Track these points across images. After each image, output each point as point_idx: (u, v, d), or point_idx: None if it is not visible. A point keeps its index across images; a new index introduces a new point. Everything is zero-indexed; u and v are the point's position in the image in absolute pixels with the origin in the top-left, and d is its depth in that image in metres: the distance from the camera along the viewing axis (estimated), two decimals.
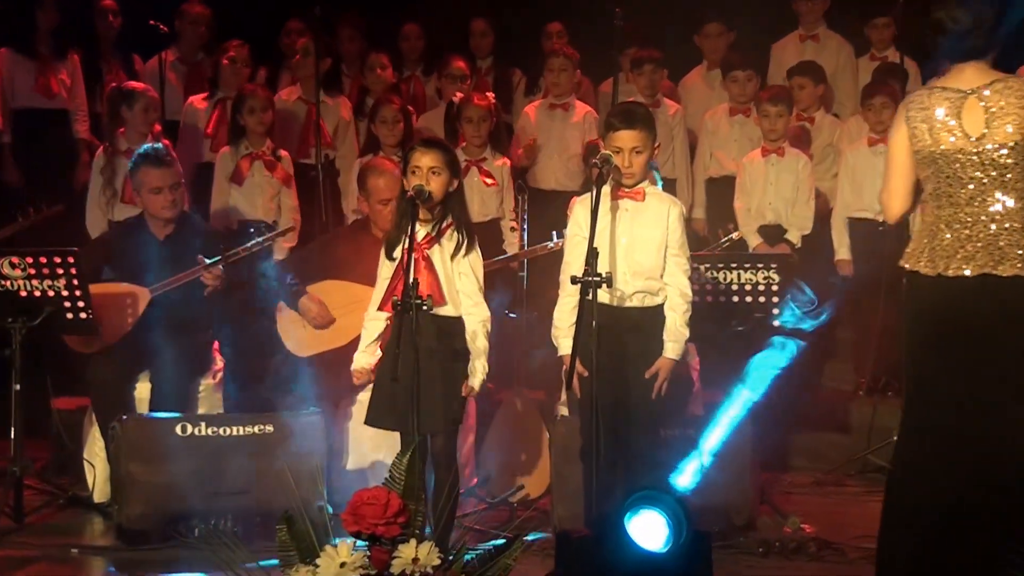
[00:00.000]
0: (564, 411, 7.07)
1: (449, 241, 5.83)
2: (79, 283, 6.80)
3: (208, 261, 7.02)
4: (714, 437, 6.35)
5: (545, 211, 8.07)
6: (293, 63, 9.38)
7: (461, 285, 5.84)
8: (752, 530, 6.59)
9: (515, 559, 4.43)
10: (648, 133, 5.86)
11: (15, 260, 6.79)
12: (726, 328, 6.98)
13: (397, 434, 5.80)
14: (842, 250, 8.63)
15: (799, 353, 6.54)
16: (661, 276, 5.88)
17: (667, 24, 9.80)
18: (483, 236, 6.23)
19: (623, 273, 5.82)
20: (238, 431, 6.59)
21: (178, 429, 6.54)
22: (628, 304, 5.84)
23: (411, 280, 5.44)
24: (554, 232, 7.31)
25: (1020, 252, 4.97)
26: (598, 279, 5.43)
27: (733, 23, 9.65)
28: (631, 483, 5.60)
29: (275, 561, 4.43)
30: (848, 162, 8.64)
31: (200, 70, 9.58)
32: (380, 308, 5.88)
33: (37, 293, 6.81)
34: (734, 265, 7.00)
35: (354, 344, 6.08)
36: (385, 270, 5.90)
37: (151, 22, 9.14)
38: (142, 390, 7.14)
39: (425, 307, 5.42)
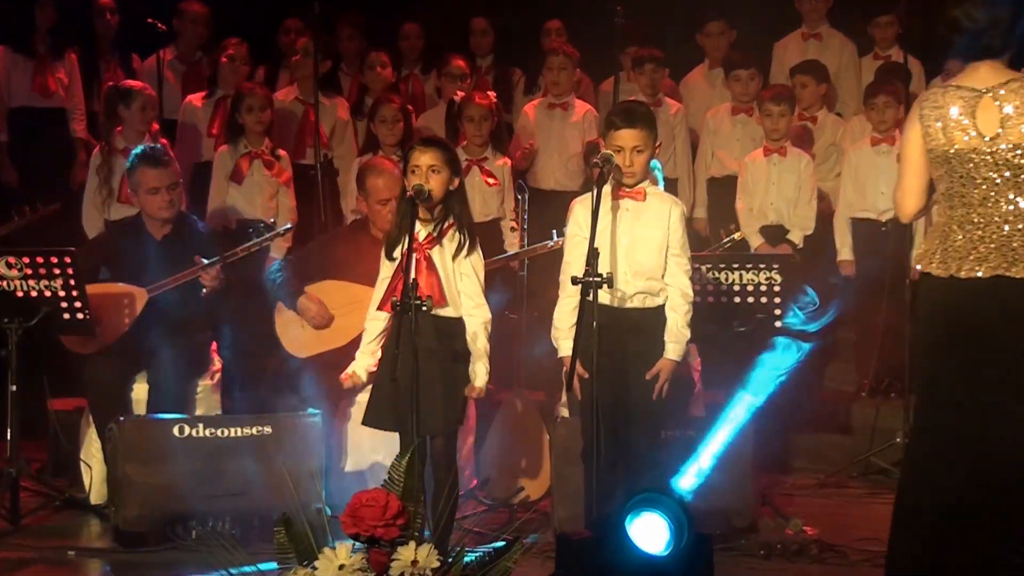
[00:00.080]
0: (564, 412, 7.05)
1: (451, 242, 5.81)
2: (76, 283, 6.78)
3: (206, 261, 7.00)
4: (716, 441, 6.31)
5: (545, 211, 8.04)
6: (292, 63, 9.35)
7: (462, 286, 5.82)
8: (753, 532, 6.57)
9: (515, 561, 4.39)
10: (649, 132, 5.83)
11: (11, 260, 6.77)
12: (727, 329, 6.95)
13: (396, 435, 5.78)
14: (844, 250, 8.60)
15: (804, 355, 6.51)
16: (662, 276, 5.86)
17: (668, 23, 9.78)
18: (483, 236, 6.22)
19: (624, 273, 5.79)
20: (236, 432, 6.56)
21: (176, 430, 6.52)
22: (629, 305, 5.82)
23: (410, 280, 5.41)
24: (554, 231, 7.29)
25: None
26: (599, 279, 5.40)
27: (735, 22, 9.63)
28: (632, 485, 5.58)
29: (273, 564, 4.39)
30: (851, 162, 8.62)
31: (198, 69, 9.57)
32: (380, 308, 5.85)
33: (34, 293, 6.79)
34: (736, 265, 6.97)
35: (353, 345, 6.07)
36: (385, 270, 5.88)
37: (149, 20, 9.11)
38: (140, 391, 7.11)
39: (424, 307, 5.39)
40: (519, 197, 7.56)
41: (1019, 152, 4.93)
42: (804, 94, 8.98)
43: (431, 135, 7.29)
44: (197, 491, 6.41)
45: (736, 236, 8.04)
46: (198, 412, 7.15)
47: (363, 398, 6.01)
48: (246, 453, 6.50)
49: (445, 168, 5.76)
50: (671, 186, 8.57)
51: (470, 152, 8.40)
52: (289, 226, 8.01)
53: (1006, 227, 4.95)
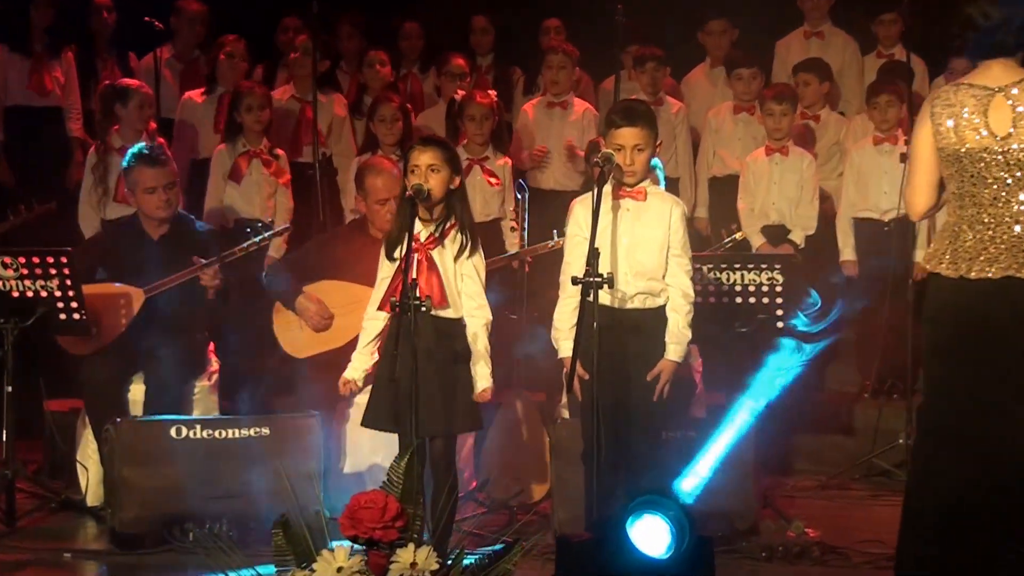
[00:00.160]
0: (565, 414, 7.04)
1: (453, 243, 5.79)
2: (72, 283, 6.77)
3: (203, 261, 6.98)
4: (719, 445, 6.28)
5: (545, 211, 8.02)
6: (290, 61, 9.33)
7: (464, 287, 5.80)
8: (755, 535, 6.53)
9: (515, 563, 4.38)
10: (650, 131, 5.81)
11: (7, 260, 6.76)
12: (729, 329, 6.93)
13: (395, 437, 5.75)
14: (847, 250, 8.58)
15: (809, 357, 6.49)
16: (663, 277, 5.84)
17: (670, 21, 9.77)
18: (484, 236, 6.20)
19: (624, 274, 5.77)
20: (234, 434, 6.55)
21: (173, 432, 6.50)
22: (629, 305, 5.79)
23: (410, 280, 5.39)
24: (555, 231, 7.26)
25: None
26: (599, 280, 5.38)
27: (736, 20, 9.61)
28: (632, 486, 5.54)
29: (271, 566, 4.38)
30: (853, 161, 8.59)
31: (196, 67, 9.56)
32: (379, 309, 5.83)
33: (30, 293, 6.77)
34: (737, 266, 6.95)
35: (352, 345, 6.03)
36: (385, 269, 5.85)
37: (146, 19, 9.09)
38: (136, 392, 7.09)
39: (424, 308, 5.36)
40: (519, 197, 7.54)
41: None
42: (807, 92, 8.96)
43: (431, 134, 7.26)
44: (194, 493, 6.39)
45: (737, 236, 8.03)
46: (195, 413, 7.12)
47: (362, 399, 6.00)
48: (244, 455, 6.48)
49: (445, 167, 5.74)
50: (672, 185, 8.56)
51: (471, 151, 8.38)
52: (287, 226, 8.01)
53: (1017, 227, 4.92)
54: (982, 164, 4.94)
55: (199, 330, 7.31)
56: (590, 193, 5.64)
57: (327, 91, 9.16)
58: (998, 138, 4.92)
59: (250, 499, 6.32)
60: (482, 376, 5.76)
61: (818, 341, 6.71)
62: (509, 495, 7.13)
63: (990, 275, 4.90)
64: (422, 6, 10.34)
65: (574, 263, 5.75)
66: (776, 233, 8.54)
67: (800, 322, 6.73)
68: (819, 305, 6.93)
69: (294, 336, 7.18)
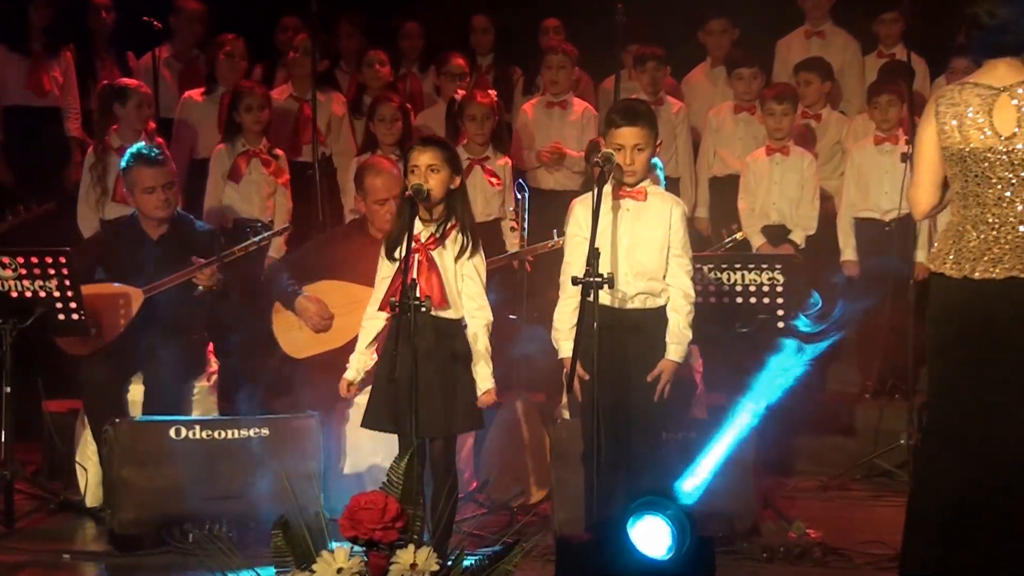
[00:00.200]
0: (565, 414, 7.02)
1: (454, 243, 5.78)
2: (71, 283, 6.76)
3: (202, 261, 6.97)
4: (720, 447, 6.26)
5: (545, 211, 8.01)
6: (289, 60, 9.31)
7: (464, 287, 5.79)
8: (756, 535, 6.52)
9: (515, 565, 4.39)
10: (650, 130, 5.80)
11: (6, 260, 6.75)
12: (729, 330, 6.93)
13: (395, 437, 5.75)
14: (848, 251, 8.56)
15: (812, 358, 6.47)
16: (663, 277, 5.83)
17: (670, 20, 9.75)
18: (484, 236, 6.19)
19: (624, 274, 5.76)
20: (233, 435, 6.53)
21: (172, 432, 6.48)
22: (630, 306, 5.79)
23: (409, 280, 5.38)
24: (555, 231, 7.25)
25: None
26: (599, 280, 5.37)
27: (737, 19, 9.59)
28: (632, 487, 5.55)
29: (271, 567, 4.38)
30: (854, 161, 8.58)
31: (195, 67, 9.54)
32: (379, 309, 5.82)
33: (28, 294, 6.77)
34: (738, 266, 6.94)
35: (351, 346, 6.01)
36: (385, 269, 5.84)
37: (145, 18, 9.07)
38: (135, 392, 7.08)
39: (423, 308, 5.35)
40: (519, 197, 7.52)
41: None
42: (808, 91, 8.94)
43: (431, 134, 7.25)
44: (194, 494, 6.38)
45: (738, 236, 8.03)
46: (195, 414, 7.12)
47: (362, 400, 5.99)
48: (243, 455, 6.46)
49: (444, 167, 5.74)
50: (673, 185, 8.54)
51: (472, 151, 8.36)
52: (286, 226, 8.00)
53: (1021, 228, 4.92)
54: (986, 164, 4.93)
55: (198, 330, 7.30)
56: (590, 193, 5.64)
57: (325, 90, 9.15)
58: (1002, 138, 4.91)
59: (249, 500, 6.28)
60: (483, 378, 5.75)
61: (819, 342, 6.69)
62: (509, 496, 7.12)
63: (994, 275, 4.90)
64: (422, 6, 10.33)
65: (574, 263, 5.74)
66: (776, 233, 8.53)
67: (802, 324, 6.71)
68: (820, 306, 6.92)
69: (294, 336, 7.17)
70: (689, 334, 5.84)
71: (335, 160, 9.14)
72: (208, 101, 9.00)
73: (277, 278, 7.24)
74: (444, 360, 5.70)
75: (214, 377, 7.34)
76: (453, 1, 10.30)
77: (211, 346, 7.41)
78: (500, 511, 7.03)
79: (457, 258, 5.76)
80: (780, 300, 6.86)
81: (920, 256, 7.92)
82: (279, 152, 8.50)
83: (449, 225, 5.79)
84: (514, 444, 7.31)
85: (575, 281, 5.41)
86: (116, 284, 7.07)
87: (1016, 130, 4.90)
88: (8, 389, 6.71)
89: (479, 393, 5.76)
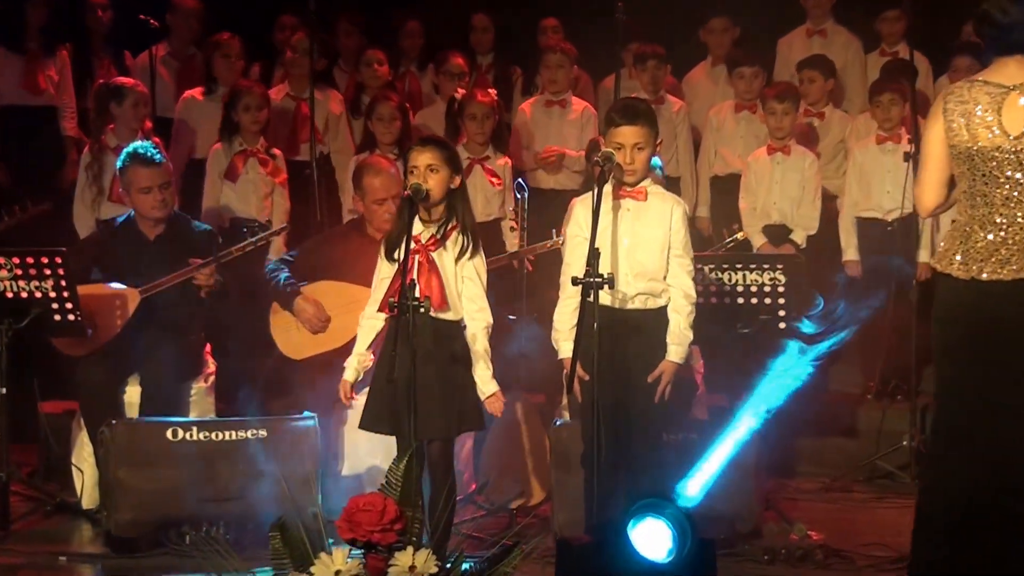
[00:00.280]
0: (565, 415, 7.00)
1: (454, 245, 5.76)
2: (67, 284, 6.74)
3: (200, 262, 6.95)
4: (722, 451, 6.22)
5: (545, 211, 7.99)
6: (287, 60, 9.28)
7: (465, 289, 5.77)
8: (757, 537, 6.51)
9: (514, 567, 4.41)
10: (650, 129, 5.79)
11: (1, 260, 6.73)
12: (731, 330, 6.93)
13: (393, 439, 5.74)
14: (850, 251, 8.52)
15: (817, 360, 6.43)
16: (664, 278, 5.82)
17: (671, 19, 9.74)
18: (484, 236, 6.17)
19: (625, 274, 5.75)
20: (230, 436, 6.51)
21: (169, 434, 6.47)
22: (630, 306, 5.77)
23: (408, 281, 5.36)
24: (554, 230, 7.24)
25: None
26: (599, 280, 5.35)
27: (738, 18, 9.57)
28: (633, 489, 5.55)
29: (269, 569, 4.40)
30: (856, 160, 8.54)
31: (192, 65, 9.52)
32: (379, 310, 5.79)
33: (24, 294, 6.75)
34: (739, 266, 6.93)
35: (349, 346, 5.99)
36: (384, 270, 5.82)
37: (141, 17, 9.05)
38: (132, 394, 7.06)
39: (422, 309, 5.33)
40: (518, 197, 7.50)
41: None
42: (812, 89, 8.91)
43: (430, 134, 7.23)
44: (191, 495, 6.37)
45: (739, 236, 8.02)
46: (192, 415, 7.10)
47: (360, 401, 5.95)
48: (241, 457, 6.44)
49: (444, 167, 5.72)
50: (673, 185, 8.52)
51: (472, 151, 8.34)
52: (284, 226, 7.99)
53: None
54: (994, 163, 4.89)
55: (195, 331, 7.28)
56: (590, 193, 5.62)
57: (322, 88, 9.12)
58: (1011, 137, 4.88)
59: (247, 502, 6.28)
60: (485, 381, 5.74)
61: (821, 342, 6.65)
62: (509, 497, 7.09)
63: (1003, 277, 4.87)
64: (422, 5, 10.30)
65: (574, 263, 5.72)
66: (777, 233, 8.50)
67: (804, 325, 6.67)
68: (822, 307, 6.89)
69: (291, 337, 7.15)
70: (690, 335, 5.83)
71: (333, 159, 9.12)
72: (209, 101, 8.98)
73: (275, 278, 7.21)
74: (443, 362, 5.68)
75: (211, 378, 7.32)
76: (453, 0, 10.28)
77: (208, 347, 7.39)
78: (499, 513, 7.00)
79: (457, 259, 5.74)
80: (782, 300, 6.85)
81: (923, 256, 7.91)
82: (277, 152, 8.48)
83: (450, 226, 5.77)
84: (514, 445, 7.28)
85: (575, 281, 5.39)
86: (112, 284, 7.05)
87: None
88: (4, 390, 6.69)
89: (483, 397, 5.74)
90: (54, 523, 6.91)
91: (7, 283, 6.71)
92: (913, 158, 7.38)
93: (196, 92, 9.06)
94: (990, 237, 4.91)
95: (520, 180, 7.90)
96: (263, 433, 6.51)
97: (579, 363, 5.54)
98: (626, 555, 4.53)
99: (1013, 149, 4.87)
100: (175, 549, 6.21)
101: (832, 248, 8.60)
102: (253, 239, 7.20)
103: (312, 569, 4.23)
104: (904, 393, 8.14)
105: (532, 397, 7.51)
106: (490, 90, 8.64)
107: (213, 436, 6.48)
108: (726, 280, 6.88)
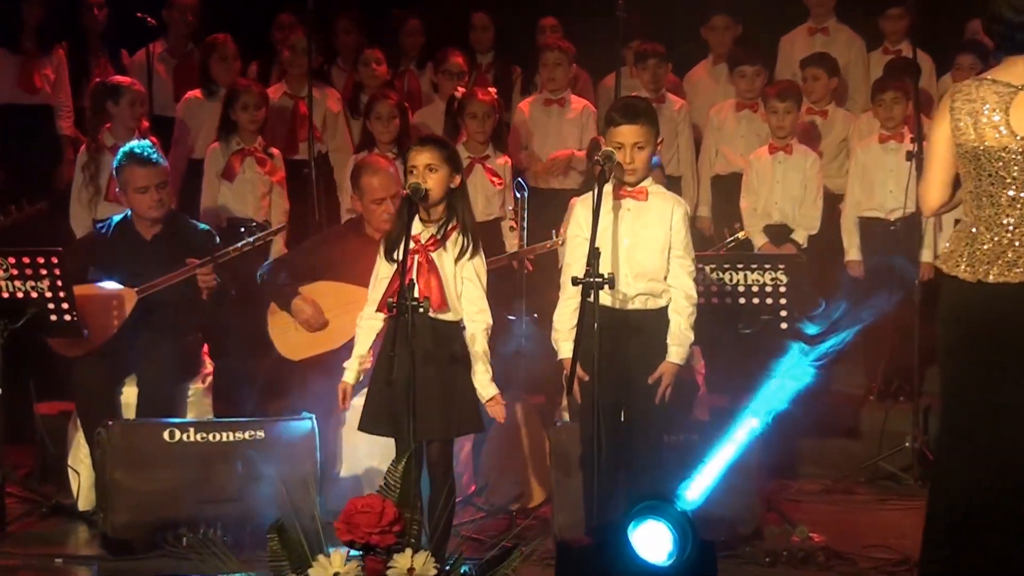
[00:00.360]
0: (565, 416, 6.99)
1: (454, 245, 5.74)
2: (63, 284, 6.72)
3: (197, 262, 6.93)
4: (724, 455, 6.19)
5: (545, 210, 7.97)
6: (284, 59, 9.24)
7: (465, 290, 5.76)
8: (758, 539, 6.47)
9: (514, 569, 4.44)
10: (651, 128, 5.77)
11: None
12: (732, 331, 6.90)
13: (392, 440, 5.72)
14: (852, 251, 8.49)
15: (820, 361, 6.41)
16: (664, 278, 5.79)
17: (672, 17, 9.71)
18: (484, 236, 6.18)
19: (625, 275, 5.73)
20: (228, 437, 6.50)
21: (166, 435, 6.46)
22: (630, 307, 5.75)
23: (407, 281, 5.33)
24: (554, 231, 7.21)
25: None
26: (600, 280, 5.32)
27: (740, 16, 9.54)
28: (633, 490, 5.54)
29: (267, 571, 4.40)
30: (859, 160, 8.51)
31: (189, 62, 9.49)
32: (377, 310, 5.77)
33: (20, 294, 6.73)
34: (740, 266, 6.91)
35: (348, 347, 5.97)
36: (384, 270, 5.80)
37: (138, 15, 9.03)
38: (128, 394, 7.04)
39: (422, 309, 5.31)
40: (518, 196, 7.48)
41: None
42: (815, 87, 8.88)
43: (429, 133, 7.21)
44: (188, 497, 6.36)
45: (740, 235, 8.01)
46: (189, 416, 7.09)
47: (358, 402, 5.94)
48: (238, 458, 6.43)
49: (443, 166, 5.70)
50: (674, 184, 8.49)
51: (472, 150, 8.32)
52: (282, 226, 7.98)
53: None
54: (1000, 163, 4.86)
55: (193, 331, 7.27)
56: (590, 192, 5.60)
57: (320, 86, 9.10)
58: (1018, 137, 4.84)
59: (245, 503, 6.29)
60: (484, 384, 5.72)
61: (822, 343, 6.63)
62: (508, 499, 7.09)
63: (1009, 279, 4.83)
64: (421, 3, 10.28)
65: (574, 263, 5.70)
66: (779, 233, 8.47)
67: (808, 327, 6.64)
68: (824, 307, 6.86)
69: (289, 338, 7.14)
70: (691, 336, 5.81)
71: (331, 157, 9.10)
72: (210, 101, 8.95)
73: (273, 278, 7.19)
74: (442, 362, 5.66)
75: (209, 379, 7.31)
76: None
77: (206, 347, 7.38)
78: (499, 515, 7.00)
79: (457, 260, 5.72)
80: (783, 301, 6.83)
81: (926, 256, 7.89)
82: (274, 151, 8.46)
83: (450, 226, 5.75)
84: (513, 447, 7.26)
85: (575, 281, 5.37)
86: (109, 284, 7.03)
87: None
88: None
89: (483, 401, 5.72)
90: (50, 525, 6.89)
91: (3, 283, 6.69)
92: (916, 157, 7.35)
93: (198, 93, 9.04)
94: (996, 239, 4.88)
95: (519, 180, 7.89)
96: (261, 434, 6.50)
97: (579, 364, 5.51)
98: (626, 557, 4.51)
99: (1020, 149, 4.83)
100: (172, 551, 6.19)
101: (834, 248, 8.57)
102: (250, 239, 7.17)
103: (310, 571, 4.23)
104: (907, 394, 8.12)
105: (532, 398, 7.50)
106: (490, 89, 8.62)
107: (211, 437, 6.47)
108: (727, 280, 6.86)
